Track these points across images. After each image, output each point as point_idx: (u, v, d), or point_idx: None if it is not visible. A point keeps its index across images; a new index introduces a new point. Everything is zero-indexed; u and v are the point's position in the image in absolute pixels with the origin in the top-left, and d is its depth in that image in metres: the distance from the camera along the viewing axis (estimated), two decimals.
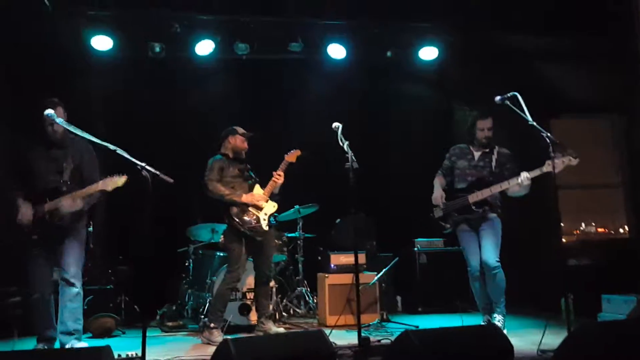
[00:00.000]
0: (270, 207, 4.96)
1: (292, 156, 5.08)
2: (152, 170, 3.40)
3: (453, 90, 6.54)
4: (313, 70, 6.56)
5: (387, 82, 6.76)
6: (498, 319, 4.58)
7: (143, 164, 3.41)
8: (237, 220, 4.79)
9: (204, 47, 6.20)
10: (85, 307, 5.28)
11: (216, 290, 5.01)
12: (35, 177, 4.05)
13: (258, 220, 4.85)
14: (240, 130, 5.05)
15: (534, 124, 3.96)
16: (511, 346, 2.89)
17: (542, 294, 5.65)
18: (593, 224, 6.55)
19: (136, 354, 3.47)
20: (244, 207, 4.84)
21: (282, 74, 6.56)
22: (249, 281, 5.47)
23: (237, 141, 5.02)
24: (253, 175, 5.09)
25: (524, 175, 4.46)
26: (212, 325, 4.75)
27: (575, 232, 6.46)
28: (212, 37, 6.19)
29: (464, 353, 2.81)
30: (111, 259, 5.98)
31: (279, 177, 4.97)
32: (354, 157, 3.82)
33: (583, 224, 6.50)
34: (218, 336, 4.70)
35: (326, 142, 4.49)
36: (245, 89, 6.52)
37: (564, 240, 6.23)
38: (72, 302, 4.06)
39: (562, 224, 6.23)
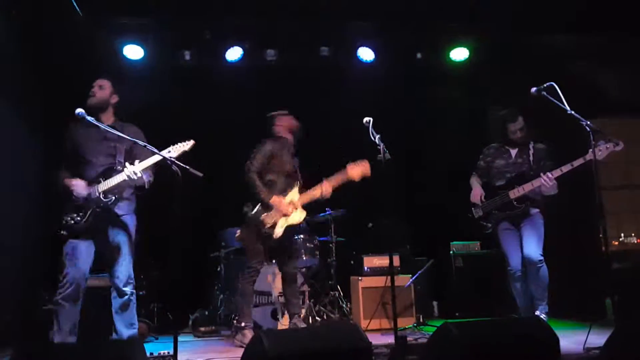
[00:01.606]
0: (297, 217, 4.70)
1: (356, 170, 4.62)
2: (182, 164, 3.38)
3: (485, 90, 6.40)
4: (343, 73, 6.50)
5: (418, 84, 6.66)
6: (542, 316, 4.40)
7: (173, 159, 3.40)
8: (254, 216, 4.63)
9: (234, 54, 6.22)
10: None
11: (239, 287, 4.85)
12: (84, 159, 3.90)
13: (274, 226, 4.62)
14: (288, 117, 4.91)
15: (573, 112, 3.82)
16: (557, 338, 2.74)
17: (584, 296, 5.42)
18: (633, 234, 6.30)
19: (168, 353, 3.41)
20: (269, 207, 4.63)
21: (311, 78, 6.52)
22: (279, 285, 5.40)
23: (289, 121, 4.86)
24: (299, 174, 4.87)
25: (544, 178, 4.35)
26: (242, 324, 4.64)
27: (614, 243, 6.22)
28: (241, 43, 6.21)
29: (507, 344, 2.67)
30: (143, 264, 5.98)
31: (326, 193, 4.66)
32: (385, 149, 3.73)
33: (622, 235, 6.29)
34: (250, 336, 4.57)
35: (358, 144, 4.43)
36: (275, 94, 6.49)
37: (614, 242, 6.00)
38: (124, 310, 3.92)
39: (604, 225, 6.00)
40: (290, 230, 4.75)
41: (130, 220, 3.99)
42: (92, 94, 3.97)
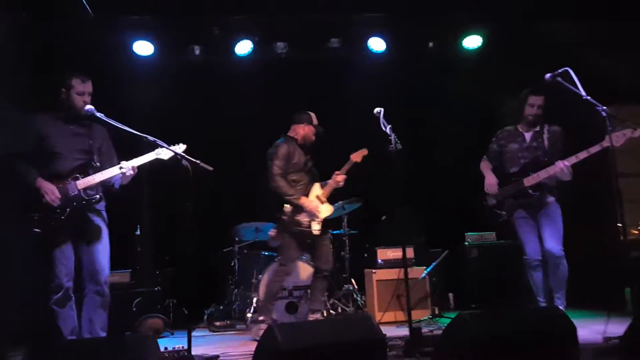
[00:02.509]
0: (326, 211, 4.77)
1: (357, 155, 4.86)
2: (192, 159, 3.37)
3: (498, 78, 6.29)
4: (354, 64, 6.45)
5: (430, 72, 6.58)
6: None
7: (182, 153, 3.39)
8: (289, 218, 4.64)
9: (243, 47, 6.20)
10: (134, 309, 5.34)
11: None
12: (56, 154, 3.75)
13: (310, 225, 4.67)
14: (315, 120, 4.85)
15: (589, 98, 3.74)
16: (574, 328, 2.68)
17: (602, 286, 5.33)
18: None
19: (182, 347, 3.41)
20: (300, 208, 4.66)
21: (322, 69, 6.47)
22: (296, 279, 5.39)
23: (309, 131, 4.82)
24: (315, 171, 4.90)
25: (560, 165, 4.25)
26: (260, 318, 4.63)
27: (633, 232, 6.10)
28: (251, 37, 6.18)
29: (523, 334, 2.62)
30: (158, 260, 6.00)
31: (340, 180, 4.78)
32: (397, 139, 3.69)
33: None
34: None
35: (370, 135, 4.38)
36: (286, 87, 6.47)
37: (632, 231, 5.88)
38: (104, 309, 3.79)
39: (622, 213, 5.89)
40: (324, 226, 4.78)
41: (105, 217, 3.93)
42: (83, 103, 3.77)
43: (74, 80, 3.78)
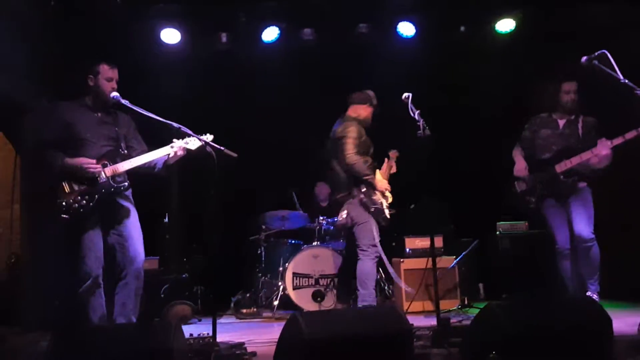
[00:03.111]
0: (390, 197, 4.72)
1: (394, 153, 4.95)
2: (216, 145, 3.35)
3: (531, 62, 6.10)
4: (383, 50, 6.33)
5: (461, 57, 6.41)
6: (594, 297, 4.20)
7: (207, 140, 3.37)
8: (368, 199, 4.49)
9: (270, 34, 6.14)
10: (162, 296, 5.39)
11: (365, 278, 4.50)
12: (82, 140, 3.72)
13: (382, 205, 4.58)
14: (375, 100, 4.72)
15: (627, 81, 3.58)
16: (610, 319, 2.58)
17: (638, 276, 5.15)
18: None
19: (207, 334, 3.41)
20: (373, 189, 4.54)
21: (350, 56, 6.37)
22: (322, 267, 5.37)
23: (369, 112, 4.70)
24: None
25: (604, 144, 4.09)
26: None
27: None
28: (277, 23, 6.12)
29: (555, 326, 2.52)
30: (186, 247, 6.04)
31: (394, 166, 4.85)
32: (425, 125, 3.60)
33: None
34: None
35: (397, 124, 4.30)
36: (313, 74, 6.40)
37: None
38: (138, 294, 3.79)
39: None
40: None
41: (133, 206, 3.90)
42: (111, 89, 3.77)
43: (101, 67, 3.77)
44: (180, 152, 3.74)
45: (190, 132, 3.49)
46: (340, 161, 4.49)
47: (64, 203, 3.60)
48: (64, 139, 3.72)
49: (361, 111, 4.67)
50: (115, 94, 3.67)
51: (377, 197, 4.55)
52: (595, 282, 4.28)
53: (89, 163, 3.62)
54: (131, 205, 3.88)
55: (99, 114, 3.83)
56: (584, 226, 4.31)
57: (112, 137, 3.82)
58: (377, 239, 4.51)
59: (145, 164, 3.78)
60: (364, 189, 4.49)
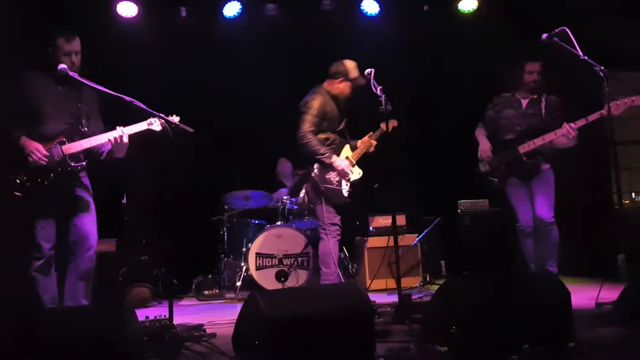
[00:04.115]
0: (356, 174, 4.58)
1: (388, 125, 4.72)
2: (171, 120, 3.23)
3: (494, 43, 6.11)
4: (346, 27, 6.26)
5: (424, 36, 6.38)
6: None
7: (161, 115, 3.25)
8: (319, 178, 4.41)
9: (231, 9, 5.99)
10: (120, 279, 5.25)
11: (326, 257, 4.47)
12: (43, 115, 3.55)
13: (340, 184, 4.48)
14: (353, 73, 4.43)
15: (586, 58, 3.61)
16: (568, 293, 2.60)
17: (595, 253, 5.27)
18: None
19: (164, 316, 3.31)
20: (329, 166, 4.44)
21: (313, 33, 6.27)
22: (286, 247, 5.32)
23: (345, 87, 4.47)
24: (347, 132, 4.69)
25: (567, 127, 4.12)
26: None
27: (625, 201, 6.02)
28: None
29: (515, 299, 2.53)
30: (146, 229, 5.89)
31: (374, 145, 4.63)
32: (387, 100, 3.56)
33: (633, 193, 6.10)
34: None
35: (361, 102, 4.24)
36: (275, 51, 6.27)
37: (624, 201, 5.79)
38: (88, 278, 3.65)
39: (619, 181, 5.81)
40: (354, 189, 4.59)
41: (88, 181, 3.75)
42: (70, 63, 3.55)
43: (59, 40, 3.58)
44: (125, 140, 3.56)
45: (144, 106, 3.32)
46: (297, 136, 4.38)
47: (17, 180, 3.42)
48: (25, 110, 3.54)
49: (334, 85, 4.50)
50: (63, 66, 3.46)
51: (333, 175, 4.45)
52: (554, 264, 4.36)
53: (37, 151, 3.43)
54: (88, 194, 3.71)
55: (63, 87, 3.63)
56: (545, 209, 4.37)
57: (74, 114, 3.64)
58: (335, 216, 4.45)
59: (91, 148, 3.60)
60: (316, 168, 4.42)
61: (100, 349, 2.28)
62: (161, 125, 3.39)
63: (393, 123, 4.56)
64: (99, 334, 2.34)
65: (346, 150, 4.61)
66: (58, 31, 3.63)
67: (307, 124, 4.32)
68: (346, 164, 4.49)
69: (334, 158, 4.44)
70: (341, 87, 4.46)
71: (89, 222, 3.63)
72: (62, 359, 2.26)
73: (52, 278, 3.58)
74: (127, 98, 3.26)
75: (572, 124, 4.19)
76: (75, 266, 3.60)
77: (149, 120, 3.60)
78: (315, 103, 4.36)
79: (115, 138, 3.55)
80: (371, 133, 4.72)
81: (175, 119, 3.47)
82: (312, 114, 4.34)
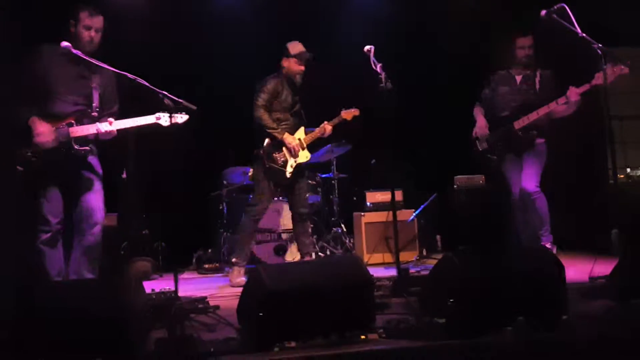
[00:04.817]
0: (303, 157, 4.66)
1: (349, 114, 4.83)
2: (174, 98, 3.24)
3: (493, 13, 6.09)
4: (343, 2, 6.23)
5: (422, 10, 6.35)
6: (547, 246, 4.38)
7: (164, 92, 3.25)
8: (265, 153, 4.53)
9: None
10: (122, 252, 5.33)
11: (240, 224, 4.73)
12: (55, 94, 3.54)
13: (285, 164, 4.56)
14: (296, 49, 4.55)
15: (585, 35, 3.62)
16: (562, 267, 2.68)
17: (589, 228, 5.37)
18: None
19: (169, 289, 3.39)
20: (278, 145, 4.56)
21: (310, 5, 6.23)
22: (284, 222, 5.38)
23: (291, 65, 4.58)
24: (303, 114, 4.77)
25: (573, 91, 4.16)
26: (234, 260, 4.56)
27: (620, 176, 6.08)
28: None
29: (510, 273, 2.61)
30: (146, 203, 5.94)
31: (328, 131, 4.74)
32: (387, 78, 3.59)
33: (628, 169, 6.16)
34: (238, 276, 4.47)
35: (359, 78, 4.25)
36: (272, 24, 6.23)
37: (619, 176, 5.86)
38: (94, 251, 3.68)
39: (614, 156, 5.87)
40: (300, 169, 4.68)
41: (97, 162, 3.76)
42: (89, 38, 3.56)
43: (81, 13, 3.57)
44: (109, 136, 3.56)
45: (146, 83, 3.28)
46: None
47: (29, 153, 3.44)
48: (37, 88, 3.53)
49: (284, 64, 4.61)
50: (65, 43, 3.47)
51: (279, 156, 4.55)
52: (547, 232, 4.44)
53: (43, 135, 3.42)
54: (94, 175, 3.70)
55: (78, 67, 3.59)
56: (528, 180, 4.45)
57: (85, 95, 3.62)
58: (265, 202, 4.61)
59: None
60: (266, 144, 4.52)
61: (109, 320, 2.35)
62: (170, 123, 3.39)
63: (354, 112, 4.82)
64: (107, 306, 2.40)
65: (300, 133, 4.70)
66: (82, 4, 3.62)
67: (259, 100, 4.47)
68: (296, 143, 4.59)
69: (286, 135, 4.54)
70: (287, 65, 4.58)
71: (94, 199, 3.65)
72: (71, 331, 2.32)
73: (59, 252, 3.61)
74: (150, 86, 3.20)
75: (575, 89, 4.22)
76: (80, 241, 3.64)
77: (157, 115, 3.60)
78: (268, 84, 4.51)
79: (108, 131, 3.56)
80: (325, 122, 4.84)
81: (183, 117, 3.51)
82: (263, 92, 4.49)
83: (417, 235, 5.51)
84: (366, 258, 5.25)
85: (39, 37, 3.77)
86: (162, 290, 3.47)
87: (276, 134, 4.51)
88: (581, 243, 5.22)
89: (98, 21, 3.62)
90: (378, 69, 3.67)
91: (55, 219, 3.56)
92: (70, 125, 3.53)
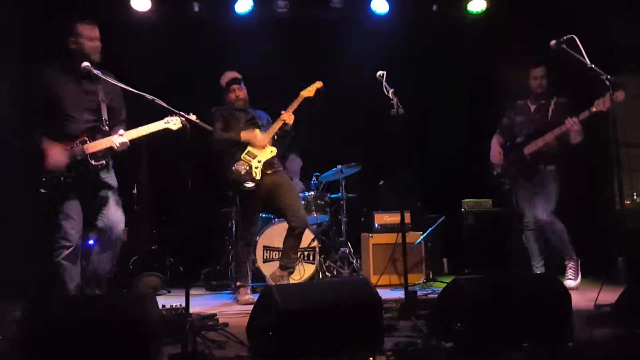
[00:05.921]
0: (267, 152, 4.54)
1: (309, 90, 4.67)
2: (191, 118, 3.32)
3: (504, 43, 6.18)
4: (356, 25, 6.34)
5: (433, 36, 6.46)
6: (570, 265, 4.55)
7: (181, 112, 3.33)
8: (231, 170, 4.48)
9: (243, 5, 6.08)
10: (131, 267, 5.38)
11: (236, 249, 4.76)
12: (66, 115, 3.58)
13: (250, 167, 4.48)
14: (227, 77, 4.71)
15: (593, 66, 3.70)
16: (568, 294, 2.72)
17: (596, 255, 5.37)
18: None
19: (180, 305, 3.43)
20: (237, 156, 4.50)
21: (323, 30, 6.36)
22: None
23: (230, 96, 4.69)
24: (268, 121, 4.73)
25: (569, 121, 4.27)
26: (237, 283, 4.62)
27: (626, 202, 6.11)
28: None
29: (517, 299, 2.65)
30: (156, 219, 6.02)
31: (285, 118, 4.54)
32: (399, 104, 3.65)
33: (635, 194, 6.18)
34: (244, 294, 4.51)
35: (369, 101, 4.31)
36: (286, 47, 6.35)
37: (626, 202, 5.89)
38: (110, 264, 3.73)
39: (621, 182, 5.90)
40: (275, 171, 4.60)
41: (113, 179, 3.81)
42: (95, 48, 3.63)
43: (80, 27, 3.61)
44: (121, 148, 3.63)
45: (164, 104, 3.38)
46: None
47: (43, 178, 3.51)
48: (46, 110, 3.58)
49: (225, 96, 4.74)
50: (86, 63, 3.52)
51: (241, 163, 4.49)
52: (570, 258, 4.55)
53: (55, 156, 3.48)
54: (113, 191, 3.76)
55: (84, 82, 3.65)
56: (540, 210, 4.55)
57: (94, 110, 3.67)
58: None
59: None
60: (230, 164, 4.54)
61: (127, 334, 2.39)
62: (181, 124, 3.46)
63: (317, 85, 4.69)
64: (122, 321, 2.45)
65: (257, 132, 4.61)
66: (78, 18, 3.65)
67: (216, 129, 4.49)
68: (254, 135, 4.53)
69: (243, 133, 4.54)
70: (227, 99, 4.71)
71: (113, 214, 3.71)
72: (86, 343, 2.37)
73: (78, 267, 3.66)
74: (148, 96, 3.31)
75: (574, 118, 4.34)
76: (100, 252, 3.69)
77: (165, 119, 3.65)
78: (216, 113, 4.62)
79: (122, 143, 3.64)
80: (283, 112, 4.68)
81: (192, 117, 3.48)
82: (216, 123, 4.56)
83: (423, 257, 5.53)
84: (373, 279, 5.26)
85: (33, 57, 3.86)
86: (172, 306, 3.52)
87: (232, 136, 4.52)
88: (588, 270, 5.23)
89: (96, 30, 3.68)
90: (390, 95, 3.73)
91: (77, 235, 3.61)
92: (84, 142, 3.58)
